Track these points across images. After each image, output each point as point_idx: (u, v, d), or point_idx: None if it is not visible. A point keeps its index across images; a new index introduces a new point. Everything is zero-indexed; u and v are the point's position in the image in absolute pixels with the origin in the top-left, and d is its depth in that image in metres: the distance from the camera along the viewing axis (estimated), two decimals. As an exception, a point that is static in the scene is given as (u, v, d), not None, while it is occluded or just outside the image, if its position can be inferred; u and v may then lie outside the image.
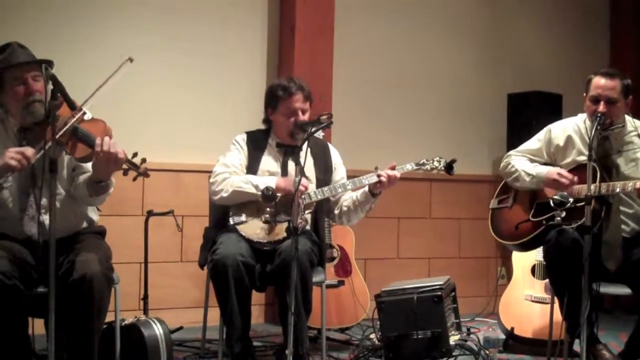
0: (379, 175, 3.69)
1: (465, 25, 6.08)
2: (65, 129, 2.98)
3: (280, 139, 3.87)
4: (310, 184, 3.78)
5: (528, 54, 6.29)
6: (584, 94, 3.81)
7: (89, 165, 3.17)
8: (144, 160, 3.13)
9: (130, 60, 3.06)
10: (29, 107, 3.08)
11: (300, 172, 3.24)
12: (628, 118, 3.83)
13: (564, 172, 3.79)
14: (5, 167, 2.95)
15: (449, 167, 3.83)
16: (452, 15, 6.02)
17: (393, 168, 3.72)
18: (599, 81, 3.75)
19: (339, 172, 3.99)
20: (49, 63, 3.14)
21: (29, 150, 2.96)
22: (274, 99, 3.83)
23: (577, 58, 6.41)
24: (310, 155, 3.79)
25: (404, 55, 5.82)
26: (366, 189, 3.77)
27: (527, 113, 5.72)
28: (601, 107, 3.70)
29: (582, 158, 3.75)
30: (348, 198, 3.89)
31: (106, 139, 3.01)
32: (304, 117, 3.78)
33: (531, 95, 5.85)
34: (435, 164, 3.84)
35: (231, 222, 3.68)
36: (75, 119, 3.02)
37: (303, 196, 3.64)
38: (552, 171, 3.82)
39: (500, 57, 6.19)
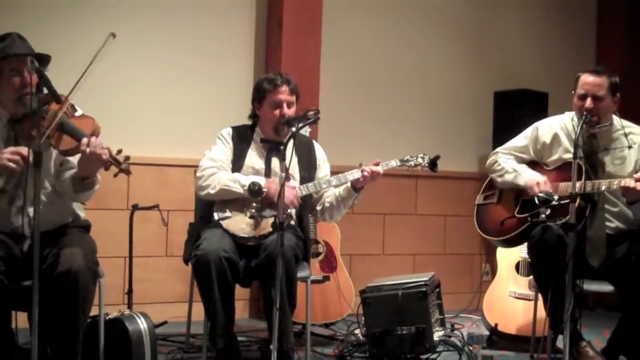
0: (362, 171, 3.70)
1: (453, 24, 6.09)
2: (54, 122, 2.98)
3: (265, 134, 3.86)
4: (294, 182, 3.77)
5: (515, 52, 6.31)
6: (572, 92, 3.84)
7: (75, 161, 3.16)
8: (127, 158, 3.11)
9: (113, 35, 3.03)
10: (22, 98, 3.07)
11: (285, 169, 3.23)
12: (615, 117, 3.85)
13: (548, 182, 3.80)
14: (3, 168, 2.94)
15: (432, 163, 3.85)
16: (439, 13, 6.03)
17: (377, 164, 3.74)
18: (587, 78, 3.78)
19: (323, 170, 3.99)
20: (47, 57, 3.16)
21: (24, 149, 2.94)
22: (261, 92, 3.83)
23: (564, 57, 6.44)
24: (295, 153, 3.78)
25: (392, 52, 5.82)
26: (348, 184, 3.78)
27: (513, 111, 5.74)
28: (588, 104, 3.72)
29: (568, 156, 3.78)
30: (331, 194, 3.90)
31: (92, 138, 3.00)
32: (290, 111, 3.77)
33: (517, 93, 5.87)
34: (419, 160, 3.85)
35: (215, 217, 3.67)
36: (62, 111, 3.02)
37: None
38: (534, 180, 3.83)
39: (487, 55, 6.21)
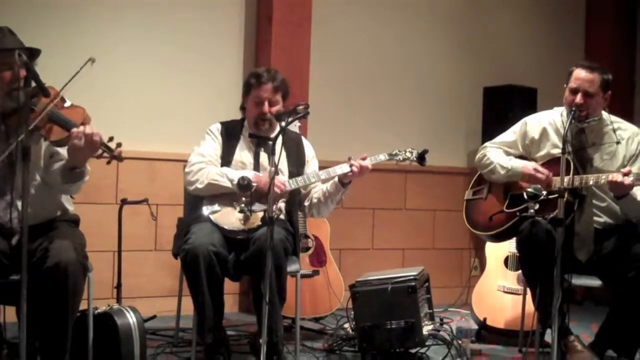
0: (350, 165, 3.70)
1: (443, 19, 6.11)
2: (41, 116, 2.97)
3: (251, 128, 3.87)
4: (282, 177, 3.77)
5: (504, 48, 6.32)
6: (565, 85, 3.85)
7: (65, 152, 3.14)
8: (119, 145, 3.09)
9: (92, 61, 3.02)
10: (12, 93, 3.05)
11: (274, 163, 3.23)
12: (604, 112, 3.87)
13: (540, 167, 3.83)
14: None
15: (421, 157, 3.86)
16: (429, 8, 6.04)
17: (364, 159, 3.74)
18: (579, 73, 3.78)
19: (311, 166, 3.98)
20: (37, 52, 3.14)
21: None
22: (247, 86, 3.85)
23: (553, 53, 6.46)
24: (284, 149, 3.78)
25: (381, 47, 5.83)
26: (336, 179, 3.78)
27: (503, 106, 5.76)
28: (578, 99, 3.74)
29: (557, 151, 3.79)
30: (318, 190, 3.89)
31: (81, 127, 2.99)
32: (272, 109, 3.76)
33: (506, 88, 5.89)
34: (408, 154, 3.86)
35: (205, 211, 3.66)
36: (52, 104, 3.01)
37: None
38: (528, 166, 3.85)
39: (477, 50, 6.22)
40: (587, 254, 3.71)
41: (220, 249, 3.49)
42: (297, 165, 3.91)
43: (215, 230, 3.58)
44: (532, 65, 6.33)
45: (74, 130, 2.97)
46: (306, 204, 3.94)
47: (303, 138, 4.10)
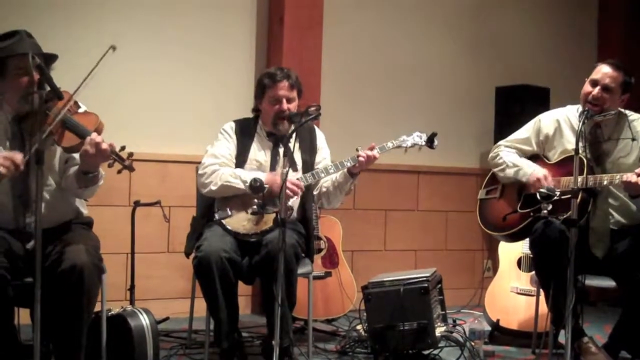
0: (358, 156, 3.71)
1: (454, 19, 6.09)
2: (57, 120, 2.98)
3: (268, 128, 3.87)
4: (297, 174, 3.77)
5: (516, 48, 6.30)
6: (585, 78, 3.83)
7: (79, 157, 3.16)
8: (130, 155, 3.12)
9: (113, 48, 3.04)
10: (28, 97, 3.05)
11: (290, 162, 3.24)
12: (621, 109, 3.85)
13: (548, 175, 3.80)
14: None
15: (430, 140, 3.85)
16: (440, 8, 6.02)
17: (372, 148, 3.74)
18: (604, 68, 3.79)
19: (322, 153, 3.99)
20: (53, 57, 3.15)
21: (17, 157, 2.92)
22: (261, 87, 3.84)
23: (565, 53, 6.44)
24: (297, 138, 3.78)
25: (393, 47, 5.82)
26: (345, 169, 3.79)
27: (515, 106, 5.74)
28: (596, 91, 3.74)
29: (572, 147, 3.77)
30: (328, 179, 3.90)
31: (94, 135, 3.00)
32: (290, 106, 3.78)
33: (519, 88, 5.87)
34: (417, 139, 3.87)
35: (216, 217, 3.67)
36: (66, 108, 3.02)
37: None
38: (536, 173, 3.83)
39: (489, 50, 6.20)
40: (604, 249, 3.69)
41: (232, 254, 3.50)
42: (309, 153, 3.93)
43: (227, 234, 3.59)
44: (545, 64, 6.30)
45: (86, 142, 2.99)
46: (315, 193, 3.94)
47: (315, 127, 4.11)
